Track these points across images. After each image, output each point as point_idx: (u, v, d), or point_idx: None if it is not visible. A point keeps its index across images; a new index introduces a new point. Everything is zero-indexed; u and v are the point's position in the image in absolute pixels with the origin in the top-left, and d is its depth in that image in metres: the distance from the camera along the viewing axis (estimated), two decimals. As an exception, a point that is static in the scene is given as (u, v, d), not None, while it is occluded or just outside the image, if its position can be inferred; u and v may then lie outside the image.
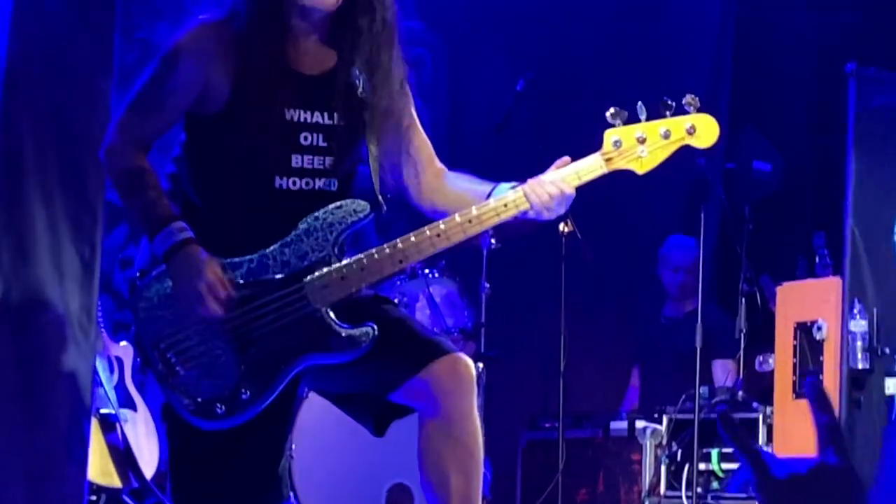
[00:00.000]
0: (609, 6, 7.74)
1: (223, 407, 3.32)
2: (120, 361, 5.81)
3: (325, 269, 3.37)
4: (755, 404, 6.04)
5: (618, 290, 7.67)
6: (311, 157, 3.39)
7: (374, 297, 3.51)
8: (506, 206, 3.42)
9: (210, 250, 3.31)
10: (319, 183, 3.40)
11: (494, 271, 6.42)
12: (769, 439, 5.86)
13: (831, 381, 5.55)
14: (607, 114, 3.47)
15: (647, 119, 3.48)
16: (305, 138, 3.39)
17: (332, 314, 3.37)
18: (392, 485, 5.68)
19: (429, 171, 3.57)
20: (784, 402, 5.75)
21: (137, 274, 3.40)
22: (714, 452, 6.08)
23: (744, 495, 5.97)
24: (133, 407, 5.78)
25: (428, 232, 3.39)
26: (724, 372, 6.72)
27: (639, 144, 3.47)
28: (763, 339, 6.21)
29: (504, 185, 3.47)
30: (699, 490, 6.01)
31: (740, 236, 6.52)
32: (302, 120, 3.38)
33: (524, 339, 7.09)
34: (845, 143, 5.58)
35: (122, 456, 5.61)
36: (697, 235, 6.15)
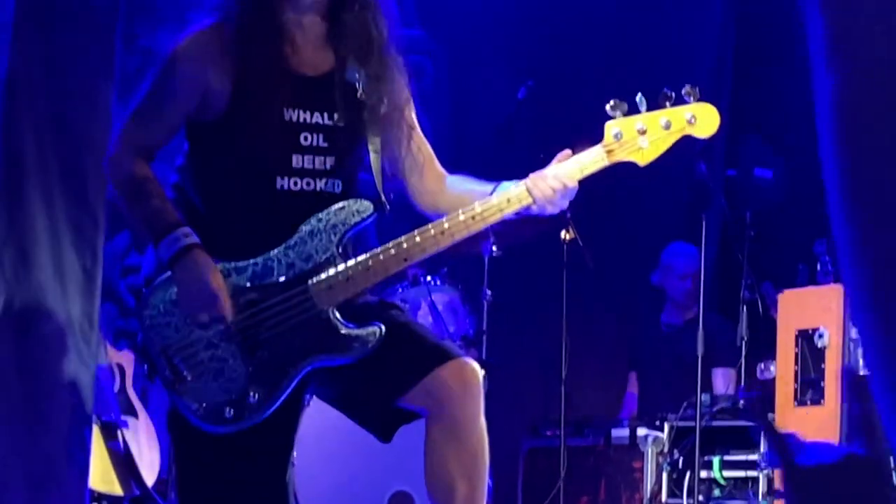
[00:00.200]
0: (609, 10, 7.74)
1: (231, 411, 3.31)
2: (121, 369, 5.80)
3: (330, 271, 3.37)
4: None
5: (619, 297, 7.65)
6: (311, 157, 3.40)
7: (380, 302, 3.51)
8: (509, 201, 3.42)
9: (215, 255, 3.32)
10: (321, 184, 3.41)
11: (496, 279, 6.42)
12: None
13: (832, 388, 5.55)
14: (607, 106, 3.47)
15: (647, 110, 3.48)
16: (305, 138, 3.39)
17: (338, 315, 3.37)
18: (394, 492, 5.66)
19: (430, 173, 3.57)
20: (786, 409, 5.74)
21: (143, 282, 3.40)
22: (716, 460, 6.07)
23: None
24: (134, 414, 5.77)
25: (432, 230, 3.40)
26: (724, 380, 6.70)
27: (640, 135, 3.47)
28: (764, 346, 6.20)
29: (506, 184, 3.47)
30: (700, 498, 5.99)
31: (741, 243, 6.52)
32: (301, 120, 3.39)
33: (526, 347, 7.08)
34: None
35: (124, 463, 5.59)
36: (698, 243, 6.13)
